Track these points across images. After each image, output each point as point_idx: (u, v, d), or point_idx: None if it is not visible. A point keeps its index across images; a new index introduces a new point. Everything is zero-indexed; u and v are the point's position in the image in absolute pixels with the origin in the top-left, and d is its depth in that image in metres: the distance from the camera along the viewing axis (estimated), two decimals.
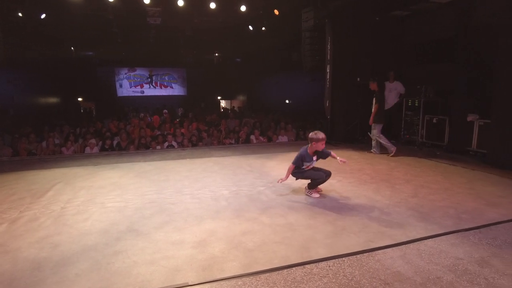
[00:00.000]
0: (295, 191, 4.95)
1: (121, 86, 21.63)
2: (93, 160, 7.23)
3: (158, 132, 10.58)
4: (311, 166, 4.69)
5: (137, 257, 3.07)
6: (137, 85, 21.87)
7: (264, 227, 3.67)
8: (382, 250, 3.18)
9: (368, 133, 8.78)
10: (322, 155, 4.65)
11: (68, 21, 11.86)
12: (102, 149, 8.85)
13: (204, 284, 2.67)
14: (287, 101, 18.40)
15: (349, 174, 5.86)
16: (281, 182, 4.70)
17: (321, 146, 4.54)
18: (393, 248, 3.23)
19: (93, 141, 8.98)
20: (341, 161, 4.59)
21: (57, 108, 18.20)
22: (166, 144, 9.23)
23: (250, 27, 13.73)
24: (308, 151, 4.60)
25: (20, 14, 10.31)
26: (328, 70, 8.74)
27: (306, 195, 4.75)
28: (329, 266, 2.92)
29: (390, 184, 5.29)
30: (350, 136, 9.23)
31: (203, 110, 17.91)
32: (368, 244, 3.28)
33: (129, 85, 21.72)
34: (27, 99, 16.51)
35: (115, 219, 3.93)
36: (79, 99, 20.73)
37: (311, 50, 9.12)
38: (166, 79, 22.34)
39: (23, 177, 5.81)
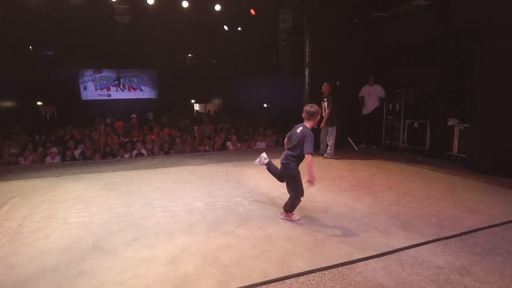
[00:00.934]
0: (274, 201, 4.98)
1: (85, 88, 21.08)
2: (55, 170, 7.01)
3: (126, 139, 10.39)
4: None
5: (104, 277, 3.00)
6: (103, 88, 21.38)
7: (241, 241, 3.67)
8: (363, 262, 3.26)
9: (348, 138, 9.00)
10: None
11: (25, 18, 11.49)
12: (64, 159, 8.60)
13: None
14: (265, 105, 18.52)
15: (329, 182, 5.97)
16: (311, 185, 3.97)
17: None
18: (375, 259, 3.32)
19: (54, 149, 8.70)
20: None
21: (13, 113, 17.50)
22: (135, 152, 9.09)
23: (226, 27, 13.78)
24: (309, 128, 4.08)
25: None
26: (306, 74, 8.89)
27: (284, 219, 4.22)
28: (309, 280, 2.96)
29: (371, 191, 5.43)
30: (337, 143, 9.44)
31: (176, 114, 17.74)
32: (350, 255, 3.35)
33: (94, 88, 21.20)
34: None
35: (79, 236, 3.82)
36: (39, 103, 20.04)
37: (289, 53, 9.26)
38: (135, 81, 21.99)
39: None
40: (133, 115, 15.51)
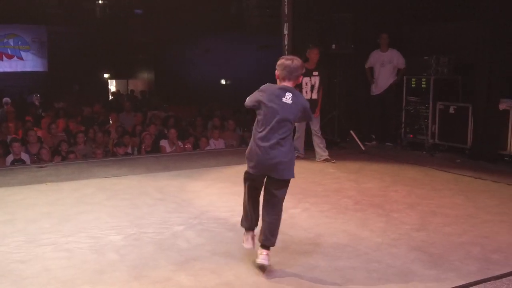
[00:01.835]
0: (236, 229, 4.92)
1: None
2: None
3: None
4: None
5: None
6: None
7: None
8: None
9: (351, 132, 9.10)
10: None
11: None
12: None
13: None
14: (223, 82, 18.54)
15: (322, 198, 6.01)
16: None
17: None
18: None
19: None
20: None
21: None
22: (10, 158, 8.91)
23: None
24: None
25: None
26: (285, 32, 8.91)
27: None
28: None
29: (383, 211, 5.51)
30: (325, 137, 9.49)
31: (78, 97, 17.45)
32: None
33: None
34: None
35: None
36: None
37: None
38: (11, 44, 21.49)
39: None
40: (6, 99, 15.04)
